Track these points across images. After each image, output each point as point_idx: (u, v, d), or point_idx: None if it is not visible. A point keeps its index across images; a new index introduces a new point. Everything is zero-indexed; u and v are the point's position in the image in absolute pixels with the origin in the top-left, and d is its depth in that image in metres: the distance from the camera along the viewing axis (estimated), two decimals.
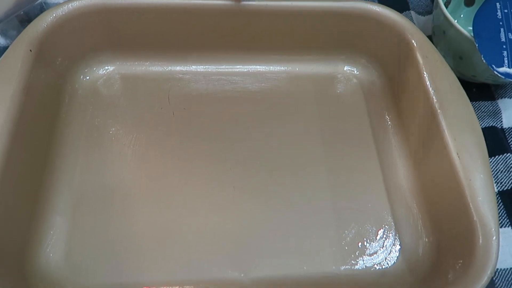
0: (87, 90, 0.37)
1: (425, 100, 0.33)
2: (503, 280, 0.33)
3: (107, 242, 0.31)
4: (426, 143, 0.34)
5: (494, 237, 0.27)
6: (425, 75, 0.34)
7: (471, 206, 0.29)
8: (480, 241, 0.27)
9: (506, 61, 0.34)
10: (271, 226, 0.32)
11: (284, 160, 0.36)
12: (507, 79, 0.34)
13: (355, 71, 0.41)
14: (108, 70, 0.39)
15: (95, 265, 0.30)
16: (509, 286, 0.32)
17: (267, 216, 0.33)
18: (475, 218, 0.28)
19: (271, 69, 0.40)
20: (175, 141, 0.36)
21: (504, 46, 0.34)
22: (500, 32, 0.35)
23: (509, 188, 0.37)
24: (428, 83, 0.33)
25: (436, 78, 0.34)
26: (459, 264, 0.28)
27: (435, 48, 0.35)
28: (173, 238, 0.31)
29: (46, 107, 0.34)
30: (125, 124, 0.36)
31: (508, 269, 0.33)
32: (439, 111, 0.32)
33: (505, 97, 0.41)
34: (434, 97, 0.33)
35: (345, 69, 0.41)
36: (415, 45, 0.35)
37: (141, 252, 0.31)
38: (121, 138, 0.35)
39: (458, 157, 0.30)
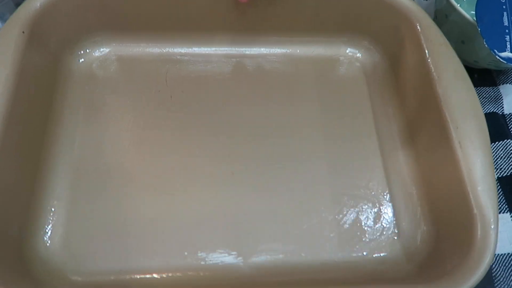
0: (83, 73, 0.37)
1: (428, 85, 0.33)
2: (500, 265, 0.33)
3: (105, 227, 0.31)
4: (427, 130, 0.33)
5: (493, 227, 0.27)
6: (428, 60, 0.33)
7: (470, 195, 0.28)
8: (479, 232, 0.27)
9: (508, 46, 0.33)
10: (270, 211, 0.32)
11: (284, 145, 0.35)
12: (509, 64, 0.33)
13: (357, 54, 0.40)
14: (104, 52, 0.38)
15: (94, 250, 0.30)
16: (506, 271, 0.33)
17: (266, 201, 0.33)
18: (474, 209, 0.28)
19: (271, 51, 0.39)
20: (172, 125, 0.35)
21: (507, 31, 0.34)
22: (503, 16, 0.34)
23: (508, 174, 0.36)
24: (431, 68, 0.33)
25: (440, 63, 0.33)
26: (458, 253, 0.28)
27: (440, 31, 0.34)
28: (171, 223, 0.31)
29: (41, 90, 0.34)
30: (122, 107, 0.36)
31: (506, 254, 0.33)
32: (442, 97, 0.31)
33: (506, 83, 0.41)
34: (437, 83, 0.32)
35: (347, 51, 0.40)
36: (419, 27, 0.34)
37: (140, 237, 0.31)
38: (118, 121, 0.35)
39: (460, 146, 0.30)
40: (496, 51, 0.33)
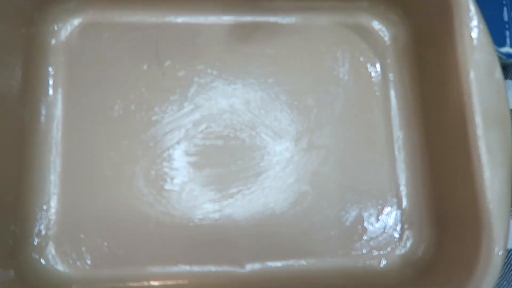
0: (59, 49, 0.32)
1: (454, 79, 0.29)
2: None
3: (100, 231, 0.30)
4: (445, 132, 0.30)
5: (501, 252, 0.27)
6: (458, 50, 0.29)
7: (482, 212, 0.27)
8: (483, 255, 0.27)
9: (508, 41, 0.33)
10: (268, 209, 0.31)
11: (287, 129, 0.32)
12: (509, 59, 0.33)
13: (378, 24, 0.34)
14: (81, 21, 0.32)
15: (87, 251, 0.29)
16: (505, 267, 0.33)
17: (266, 199, 0.31)
18: (483, 228, 0.27)
19: (274, 20, 0.34)
20: (165, 107, 0.32)
21: (507, 26, 0.33)
22: (503, 11, 0.34)
23: None
24: (461, 60, 0.28)
25: (472, 56, 0.28)
26: (459, 270, 0.28)
27: (481, 16, 0.29)
28: (168, 228, 0.30)
29: (14, 72, 0.29)
30: (109, 88, 0.32)
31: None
32: (466, 98, 0.28)
33: (507, 79, 0.38)
34: (464, 79, 0.28)
35: (365, 20, 0.34)
36: (455, 7, 0.29)
37: (136, 243, 0.30)
38: (105, 105, 0.32)
39: (479, 158, 0.27)
40: (496, 46, 0.31)
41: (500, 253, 0.26)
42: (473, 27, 0.28)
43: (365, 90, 0.34)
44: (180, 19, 0.33)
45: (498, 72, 0.28)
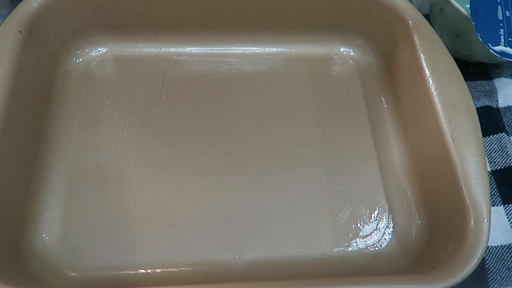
0: (80, 72, 0.37)
1: (421, 82, 0.33)
2: (493, 257, 0.33)
3: (102, 224, 0.31)
4: (421, 126, 0.34)
5: (486, 220, 0.28)
6: (421, 57, 0.33)
7: (463, 189, 0.29)
8: (472, 224, 0.28)
9: (502, 40, 0.33)
10: (265, 208, 0.33)
11: (279, 143, 0.36)
12: (503, 58, 0.33)
13: (352, 53, 0.40)
14: (101, 52, 0.38)
15: (91, 247, 0.30)
16: (499, 263, 0.33)
17: (262, 198, 0.33)
18: (467, 201, 0.28)
19: (266, 50, 0.40)
20: (169, 124, 0.36)
21: (501, 24, 0.34)
22: (497, 10, 0.34)
23: (502, 167, 0.37)
24: (424, 65, 0.33)
25: (432, 60, 0.33)
26: (451, 246, 0.28)
27: (432, 29, 0.34)
28: (167, 220, 0.32)
29: (39, 89, 0.34)
30: (119, 106, 0.36)
31: (499, 246, 0.34)
32: (434, 93, 0.32)
33: (501, 77, 0.41)
34: (430, 79, 0.32)
35: (341, 50, 0.40)
36: (411, 25, 0.35)
37: (136, 234, 0.31)
38: (115, 120, 0.35)
39: (452, 140, 0.30)
40: (490, 45, 0.33)
41: (485, 219, 0.27)
42: (428, 37, 0.34)
43: (347, 105, 0.38)
44: (182, 50, 0.39)
45: (456, 70, 0.33)
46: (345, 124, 0.37)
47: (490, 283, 0.32)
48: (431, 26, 0.35)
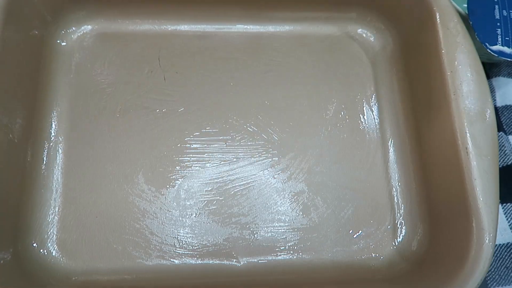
0: (68, 53, 0.34)
1: (439, 77, 0.30)
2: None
3: (100, 225, 0.31)
4: (433, 129, 0.31)
5: (490, 243, 0.27)
6: (442, 51, 0.30)
7: (471, 206, 0.28)
8: (474, 246, 0.27)
9: (499, 39, 0.33)
10: (265, 207, 0.32)
11: (283, 132, 0.34)
12: (500, 57, 0.33)
13: (367, 33, 0.36)
14: (89, 29, 0.35)
15: (89, 248, 0.30)
16: (497, 261, 0.33)
17: (262, 196, 0.32)
18: (473, 221, 0.27)
19: (272, 29, 0.36)
20: (166, 109, 0.33)
21: (498, 24, 0.34)
22: (494, 9, 0.34)
23: (500, 166, 0.36)
24: (444, 60, 0.30)
25: (454, 55, 0.30)
26: (452, 260, 0.28)
27: (460, 19, 0.30)
28: (166, 219, 0.31)
29: (24, 73, 0.31)
30: (113, 91, 0.34)
31: (497, 245, 0.34)
32: (452, 96, 0.29)
33: (499, 76, 0.39)
34: (449, 80, 0.30)
35: (355, 29, 0.36)
36: (436, 12, 0.31)
37: (135, 234, 0.31)
38: (108, 107, 0.33)
39: (467, 151, 0.28)
40: (487, 44, 0.33)
41: (490, 241, 0.26)
42: (454, 29, 0.30)
43: (357, 93, 0.35)
44: (180, 27, 0.35)
45: (480, 68, 0.30)
46: (353, 114, 0.35)
47: (489, 282, 0.33)
48: (459, 16, 0.31)
